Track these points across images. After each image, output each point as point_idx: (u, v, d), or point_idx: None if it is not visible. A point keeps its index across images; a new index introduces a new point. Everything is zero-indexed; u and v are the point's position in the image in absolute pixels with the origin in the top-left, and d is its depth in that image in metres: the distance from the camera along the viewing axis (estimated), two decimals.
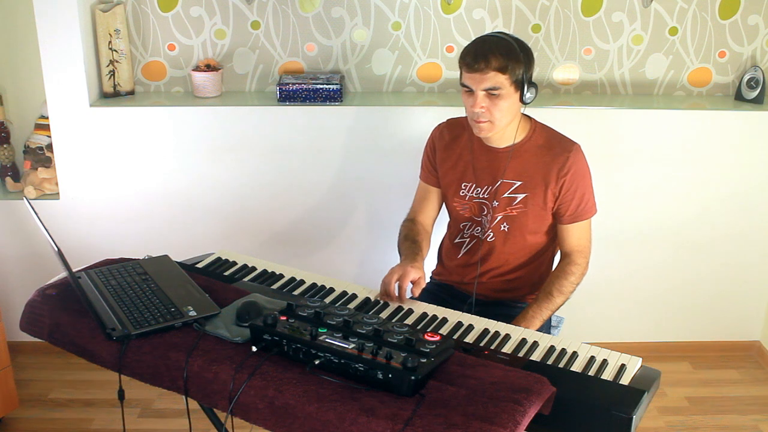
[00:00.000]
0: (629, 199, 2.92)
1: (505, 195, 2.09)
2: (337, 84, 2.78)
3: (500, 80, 1.92)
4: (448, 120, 2.25)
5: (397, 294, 1.94)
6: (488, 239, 2.14)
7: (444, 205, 2.27)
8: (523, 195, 2.08)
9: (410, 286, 1.96)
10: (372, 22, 2.87)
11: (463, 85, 1.98)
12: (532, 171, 2.07)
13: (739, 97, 2.95)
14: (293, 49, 2.91)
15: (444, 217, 2.31)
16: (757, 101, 2.88)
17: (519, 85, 1.96)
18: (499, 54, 1.91)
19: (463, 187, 2.15)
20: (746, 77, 2.92)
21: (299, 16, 2.86)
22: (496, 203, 2.10)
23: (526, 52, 1.97)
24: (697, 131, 2.84)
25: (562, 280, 2.06)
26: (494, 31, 2.81)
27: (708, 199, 2.94)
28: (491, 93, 1.93)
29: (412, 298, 1.97)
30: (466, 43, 2.88)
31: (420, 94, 2.97)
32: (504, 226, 2.12)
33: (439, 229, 2.35)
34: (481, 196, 2.13)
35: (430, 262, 2.36)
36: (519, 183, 2.08)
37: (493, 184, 2.10)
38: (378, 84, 2.97)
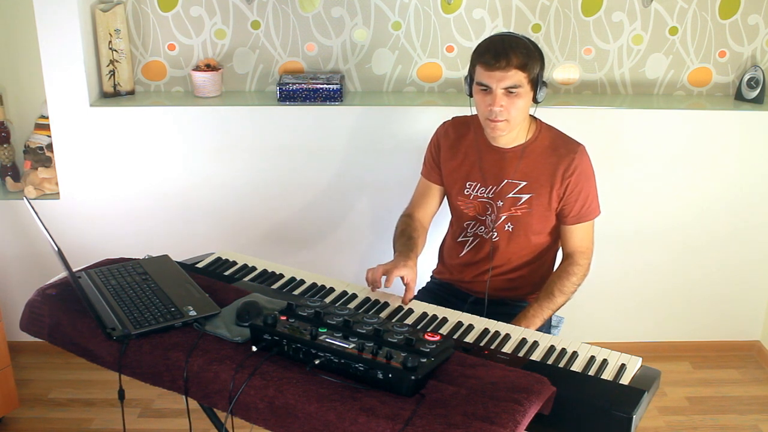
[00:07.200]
0: (629, 198, 2.92)
1: (510, 195, 2.09)
2: (337, 84, 2.78)
3: (520, 78, 1.92)
4: (453, 118, 2.24)
5: (381, 286, 1.92)
6: (492, 239, 2.14)
7: (447, 202, 2.27)
8: (528, 195, 2.08)
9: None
10: (372, 22, 2.87)
11: (480, 84, 1.97)
12: (538, 171, 2.07)
13: (739, 96, 2.95)
14: (293, 49, 2.91)
15: (444, 216, 2.31)
16: (757, 101, 2.88)
17: (534, 84, 1.97)
18: (520, 52, 1.91)
19: (468, 186, 2.15)
20: (746, 77, 2.92)
21: (299, 16, 2.86)
22: (500, 203, 2.10)
23: (540, 52, 1.99)
24: (697, 131, 2.84)
25: (564, 280, 2.06)
26: (494, 31, 2.84)
27: (708, 198, 2.94)
28: (510, 91, 1.93)
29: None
30: (466, 43, 2.92)
31: (420, 94, 2.97)
32: (508, 226, 2.11)
33: (439, 228, 2.35)
34: (485, 196, 2.12)
35: (428, 261, 2.37)
36: (524, 183, 2.08)
37: (499, 184, 2.10)
38: (378, 84, 2.97)
